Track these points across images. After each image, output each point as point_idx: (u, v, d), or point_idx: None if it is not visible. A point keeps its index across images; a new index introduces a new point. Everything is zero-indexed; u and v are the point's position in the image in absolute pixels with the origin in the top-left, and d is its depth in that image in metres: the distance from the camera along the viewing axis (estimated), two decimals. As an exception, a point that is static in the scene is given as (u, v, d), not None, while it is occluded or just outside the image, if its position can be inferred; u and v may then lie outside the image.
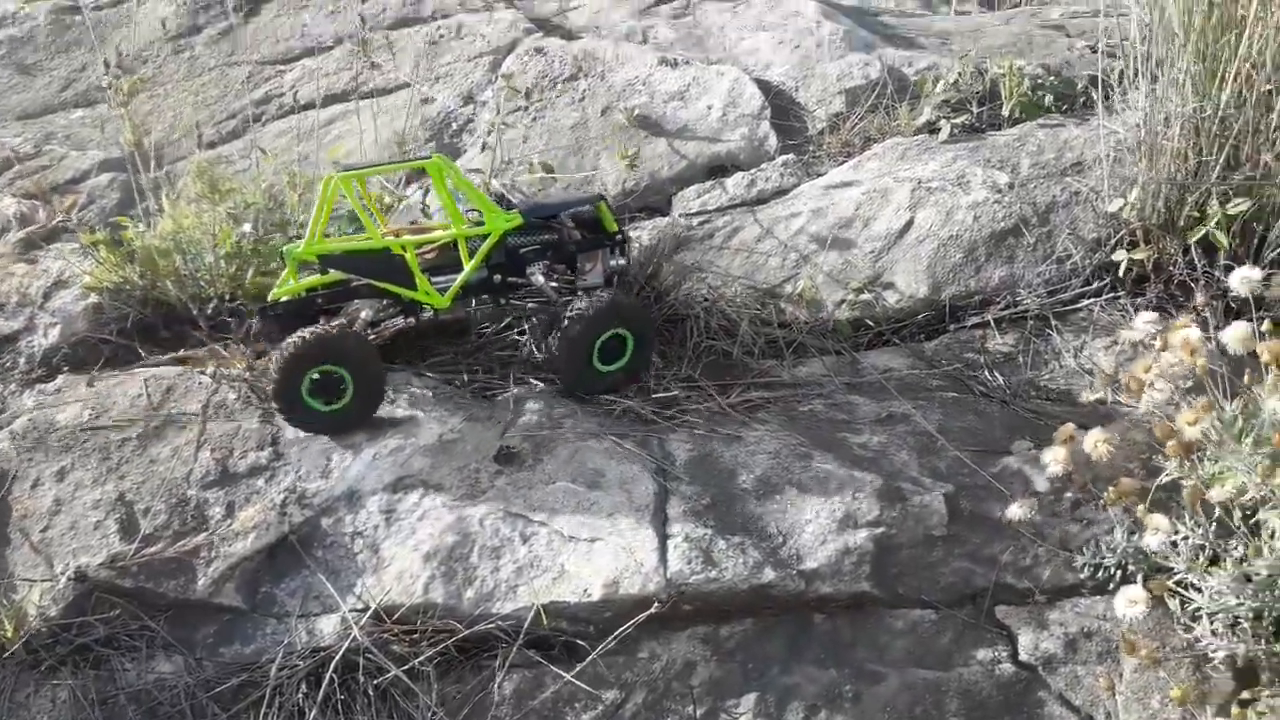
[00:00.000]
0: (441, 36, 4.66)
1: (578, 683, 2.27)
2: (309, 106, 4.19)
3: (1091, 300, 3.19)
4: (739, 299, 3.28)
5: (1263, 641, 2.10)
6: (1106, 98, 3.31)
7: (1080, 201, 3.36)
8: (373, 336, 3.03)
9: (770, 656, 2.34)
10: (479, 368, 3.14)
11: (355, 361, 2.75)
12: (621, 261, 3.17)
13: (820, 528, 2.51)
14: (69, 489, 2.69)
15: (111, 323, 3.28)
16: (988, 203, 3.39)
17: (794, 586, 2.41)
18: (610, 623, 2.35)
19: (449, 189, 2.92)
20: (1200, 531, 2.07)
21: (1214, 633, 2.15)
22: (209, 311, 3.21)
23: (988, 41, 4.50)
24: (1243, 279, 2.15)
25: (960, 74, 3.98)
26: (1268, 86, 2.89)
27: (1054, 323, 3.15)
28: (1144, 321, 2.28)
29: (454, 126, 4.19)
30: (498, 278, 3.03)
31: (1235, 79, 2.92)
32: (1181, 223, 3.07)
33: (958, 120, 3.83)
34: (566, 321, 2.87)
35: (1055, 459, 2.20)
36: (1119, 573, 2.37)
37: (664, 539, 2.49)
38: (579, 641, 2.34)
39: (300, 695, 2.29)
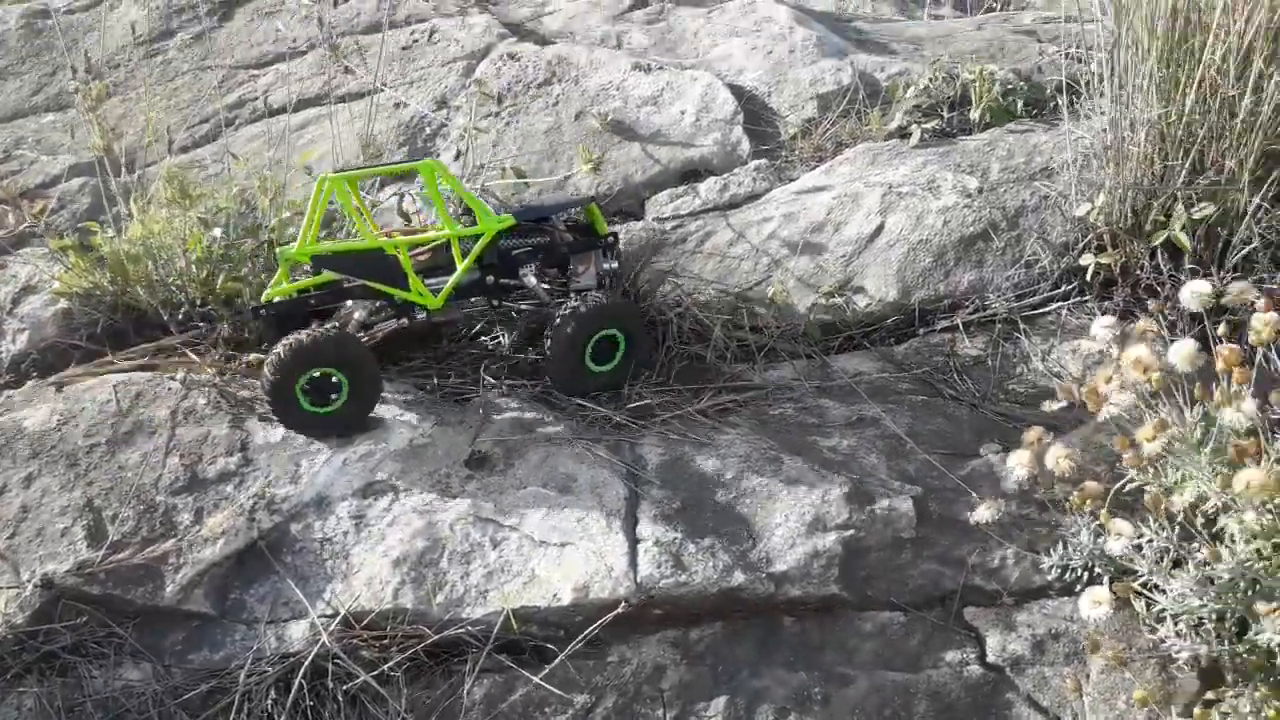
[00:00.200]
0: (415, 41, 4.66)
1: (547, 686, 2.27)
2: (281, 111, 4.18)
3: (1060, 304, 3.21)
4: (712, 303, 3.29)
5: (1226, 642, 2.12)
6: (1073, 103, 3.33)
7: (1049, 206, 3.39)
8: (365, 338, 3.04)
9: (740, 659, 2.35)
10: (451, 372, 3.14)
11: (351, 364, 2.76)
12: (614, 264, 3.20)
13: (790, 531, 2.52)
14: (36, 495, 2.67)
15: (81, 328, 3.27)
16: (957, 207, 3.41)
17: (763, 590, 2.42)
18: (581, 627, 2.35)
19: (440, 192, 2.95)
20: (1164, 535, 2.09)
21: (1178, 634, 2.17)
22: (180, 317, 3.20)
23: (960, 47, 4.52)
24: (1192, 293, 2.16)
25: (931, 79, 4.01)
26: (1230, 92, 2.92)
27: (1022, 326, 3.17)
28: (1101, 326, 2.29)
29: (427, 131, 4.18)
30: (490, 279, 3.05)
31: (1199, 85, 2.95)
32: (1148, 227, 3.10)
33: (928, 125, 3.86)
34: (559, 319, 2.89)
35: (1021, 462, 2.21)
36: (1086, 574, 2.39)
37: (634, 543, 2.50)
38: (549, 646, 2.35)
39: (269, 701, 2.28)
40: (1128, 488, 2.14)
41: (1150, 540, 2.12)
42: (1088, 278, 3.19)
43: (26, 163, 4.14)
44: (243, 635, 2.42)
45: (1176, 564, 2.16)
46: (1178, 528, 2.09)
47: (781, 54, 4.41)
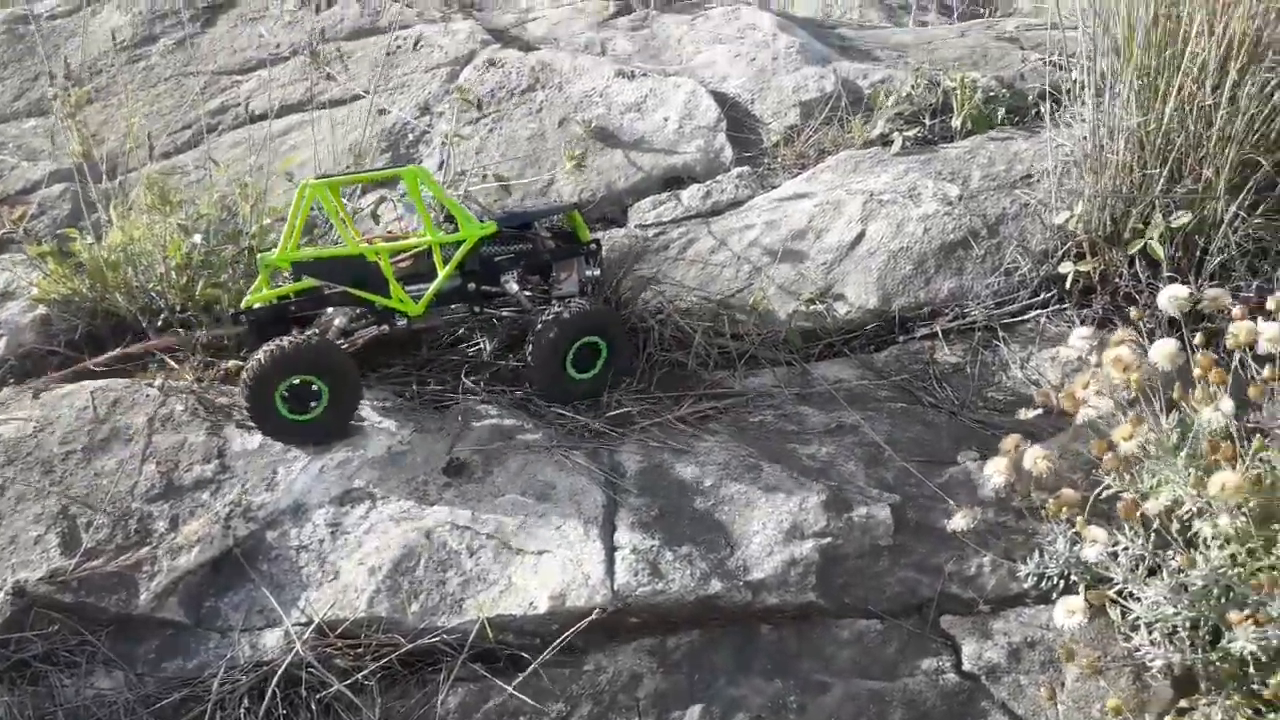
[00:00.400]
0: (399, 47, 4.66)
1: (522, 696, 2.26)
2: (264, 117, 4.17)
3: (1039, 311, 3.22)
4: (693, 310, 3.29)
5: (1199, 650, 2.12)
6: (1053, 112, 3.34)
7: (1029, 214, 3.39)
8: (345, 345, 3.03)
9: (716, 668, 2.34)
10: (430, 379, 3.13)
11: (332, 372, 2.75)
12: (596, 271, 3.20)
13: (767, 538, 2.51)
14: (10, 502, 2.65)
15: (60, 334, 3.25)
16: (938, 215, 3.42)
17: (741, 597, 2.41)
18: (557, 635, 2.34)
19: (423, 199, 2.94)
20: (1140, 542, 2.09)
21: (1152, 642, 2.17)
22: (159, 323, 3.19)
23: (943, 54, 4.54)
24: (1170, 298, 2.18)
25: (914, 87, 4.02)
26: (1208, 102, 2.93)
27: (1001, 334, 3.18)
28: (1079, 337, 2.31)
29: (410, 137, 4.18)
30: (472, 285, 3.04)
31: (1177, 94, 2.96)
32: (1126, 235, 3.11)
33: (910, 133, 3.87)
34: (541, 325, 2.88)
35: (998, 470, 2.21)
36: (1062, 582, 2.38)
37: (612, 551, 2.49)
38: (525, 655, 2.34)
39: (242, 710, 2.26)
40: (1104, 494, 2.15)
41: (1125, 548, 2.12)
42: (1067, 286, 3.19)
43: (7, 168, 4.13)
44: (216, 643, 2.41)
45: (1152, 572, 2.16)
46: (1153, 534, 2.09)
47: (765, 61, 4.41)
